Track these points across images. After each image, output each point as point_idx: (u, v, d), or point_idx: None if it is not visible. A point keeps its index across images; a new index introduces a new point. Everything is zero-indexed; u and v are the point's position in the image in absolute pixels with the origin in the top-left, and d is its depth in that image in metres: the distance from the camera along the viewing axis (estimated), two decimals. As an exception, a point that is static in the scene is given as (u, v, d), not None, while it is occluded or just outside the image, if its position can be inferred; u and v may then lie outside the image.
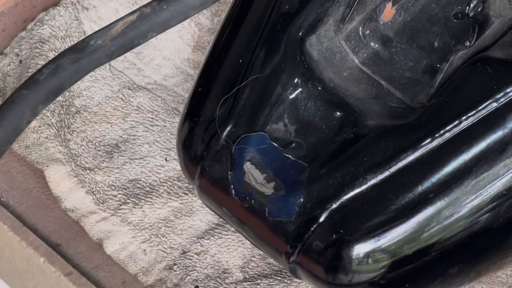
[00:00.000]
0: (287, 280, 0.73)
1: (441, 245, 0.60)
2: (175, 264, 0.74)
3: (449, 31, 0.67)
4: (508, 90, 0.59)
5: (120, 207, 0.78)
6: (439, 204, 0.59)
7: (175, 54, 0.91)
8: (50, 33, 0.87)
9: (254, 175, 0.64)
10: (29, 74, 0.82)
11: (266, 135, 0.64)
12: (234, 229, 0.72)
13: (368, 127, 0.63)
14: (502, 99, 0.59)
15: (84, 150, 0.82)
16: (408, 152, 0.60)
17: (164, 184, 0.80)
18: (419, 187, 0.59)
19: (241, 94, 0.66)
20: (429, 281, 0.62)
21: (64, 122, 0.83)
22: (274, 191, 0.63)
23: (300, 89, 0.66)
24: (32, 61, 0.86)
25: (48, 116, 0.83)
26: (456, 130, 0.59)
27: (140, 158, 0.82)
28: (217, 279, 0.73)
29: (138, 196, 0.79)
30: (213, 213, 0.73)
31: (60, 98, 0.83)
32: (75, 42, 0.68)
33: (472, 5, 0.61)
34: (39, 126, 0.82)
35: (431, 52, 0.67)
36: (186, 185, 0.79)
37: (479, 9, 0.61)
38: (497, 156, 0.59)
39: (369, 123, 0.64)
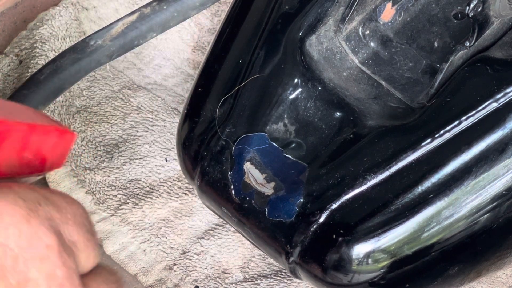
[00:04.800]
0: (287, 280, 0.73)
1: (441, 245, 0.60)
2: (175, 264, 0.74)
3: (449, 31, 0.67)
4: (508, 90, 0.59)
5: (120, 207, 0.78)
6: (439, 204, 0.59)
7: (175, 54, 0.91)
8: (50, 33, 0.87)
9: (254, 175, 0.64)
10: (29, 74, 0.82)
11: (266, 135, 0.64)
12: (234, 229, 0.72)
13: (368, 127, 0.63)
14: (502, 99, 0.59)
15: (84, 150, 0.82)
16: (408, 152, 0.60)
17: (164, 184, 0.80)
18: (419, 187, 0.59)
19: (241, 94, 0.66)
20: (429, 281, 0.62)
21: (64, 122, 0.83)
22: (274, 191, 0.63)
23: (300, 89, 0.65)
24: (32, 61, 0.86)
25: (48, 116, 0.83)
26: (456, 130, 0.59)
27: (140, 158, 0.82)
28: (217, 279, 0.73)
29: (138, 196, 0.79)
30: (213, 213, 0.73)
31: (60, 98, 0.83)
32: (75, 42, 0.68)
33: (472, 5, 0.61)
34: (39, 126, 0.82)
35: (431, 52, 0.67)
36: (186, 185, 0.79)
37: (479, 9, 0.61)
38: (497, 156, 0.59)
39: (369, 123, 0.64)
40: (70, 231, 0.30)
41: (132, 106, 0.86)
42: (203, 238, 0.76)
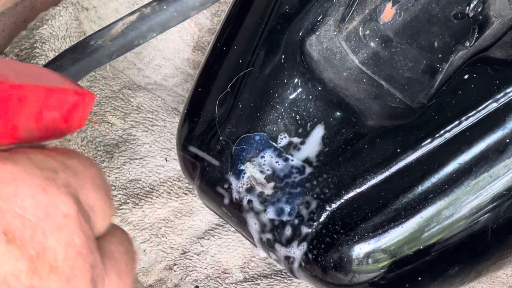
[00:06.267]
0: (287, 280, 0.73)
1: (441, 245, 0.60)
2: (175, 264, 0.74)
3: (449, 31, 0.67)
4: (508, 90, 0.59)
5: (120, 207, 0.78)
6: (439, 204, 0.59)
7: (175, 54, 0.91)
8: (50, 33, 0.87)
9: (254, 175, 0.64)
10: (29, 74, 0.82)
11: (266, 135, 0.64)
12: (234, 229, 0.72)
13: (368, 127, 0.63)
14: (502, 99, 0.59)
15: (84, 150, 0.82)
16: (408, 152, 0.60)
17: (164, 184, 0.80)
18: (419, 187, 0.59)
19: (241, 94, 0.66)
20: (429, 281, 0.62)
21: (64, 122, 0.83)
22: (274, 191, 0.63)
23: (300, 89, 0.65)
24: (32, 61, 0.86)
25: (48, 116, 0.83)
26: (456, 130, 0.59)
27: (140, 158, 0.82)
28: (217, 279, 0.73)
29: (138, 196, 0.79)
30: (213, 213, 0.73)
31: (60, 98, 0.83)
32: (75, 42, 0.68)
33: (472, 5, 0.61)
34: (39, 126, 0.82)
35: (431, 52, 0.67)
36: (186, 185, 0.79)
37: (479, 9, 0.61)
38: (497, 156, 0.59)
39: (369, 123, 0.64)
40: (88, 195, 0.30)
41: (132, 106, 0.86)
42: (203, 238, 0.76)
